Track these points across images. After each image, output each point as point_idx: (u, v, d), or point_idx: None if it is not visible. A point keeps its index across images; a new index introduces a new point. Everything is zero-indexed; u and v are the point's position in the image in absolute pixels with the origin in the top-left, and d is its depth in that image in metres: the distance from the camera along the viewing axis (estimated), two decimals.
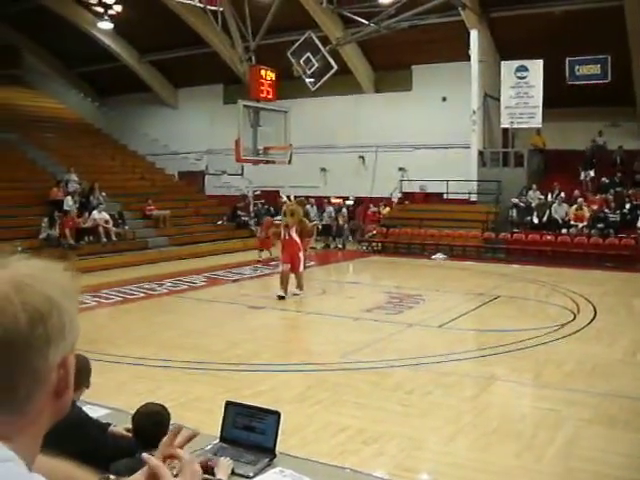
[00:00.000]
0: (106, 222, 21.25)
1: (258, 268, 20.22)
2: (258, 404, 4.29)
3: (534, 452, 6.23)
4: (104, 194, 23.12)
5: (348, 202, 29.23)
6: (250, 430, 3.98)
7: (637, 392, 8.09)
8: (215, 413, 4.18)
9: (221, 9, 23.21)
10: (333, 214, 27.10)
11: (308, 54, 22.78)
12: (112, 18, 28.17)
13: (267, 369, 9.05)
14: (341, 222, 26.94)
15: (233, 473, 3.65)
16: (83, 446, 3.46)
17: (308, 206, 26.31)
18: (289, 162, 22.99)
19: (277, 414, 3.98)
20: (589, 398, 7.86)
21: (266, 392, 7.97)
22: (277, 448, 3.91)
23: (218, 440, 4.05)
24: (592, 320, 12.42)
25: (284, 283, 14.76)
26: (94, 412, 4.20)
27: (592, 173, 25.34)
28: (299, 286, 15.15)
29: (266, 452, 3.87)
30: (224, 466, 3.58)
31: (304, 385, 8.30)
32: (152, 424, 3.47)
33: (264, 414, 4.01)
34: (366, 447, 6.32)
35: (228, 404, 4.15)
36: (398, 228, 25.39)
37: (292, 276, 15.03)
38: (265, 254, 20.75)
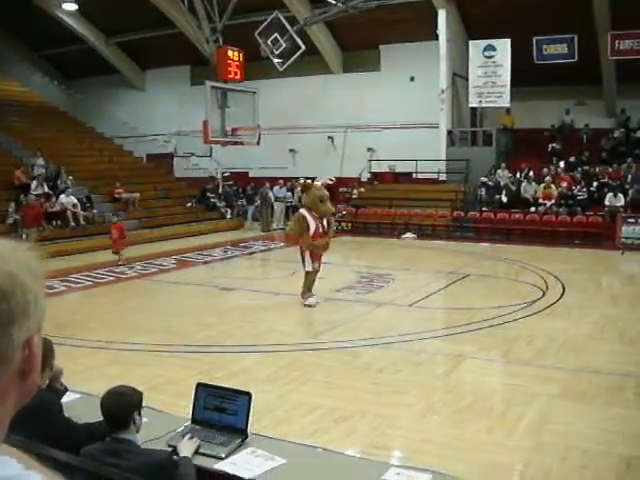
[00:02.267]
0: (74, 206, 21.01)
1: (228, 250, 20.14)
2: (230, 385, 4.30)
3: (505, 427, 6.30)
4: (71, 178, 22.89)
5: (317, 182, 29.14)
6: (221, 411, 3.99)
7: (605, 367, 8.22)
8: (187, 395, 4.18)
9: None
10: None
11: (276, 34, 22.64)
12: None
13: (239, 350, 9.05)
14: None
15: (198, 452, 3.66)
16: (50, 431, 3.45)
17: (276, 187, 26.30)
18: (257, 143, 22.94)
19: (248, 395, 3.99)
20: (559, 374, 7.96)
21: (238, 373, 7.99)
22: (249, 429, 3.92)
23: (190, 422, 4.05)
24: (561, 297, 12.58)
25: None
26: (66, 397, 4.17)
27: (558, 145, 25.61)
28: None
29: (238, 433, 3.89)
30: (187, 445, 3.60)
31: (276, 365, 8.31)
32: (117, 406, 3.45)
33: (235, 395, 4.02)
34: (338, 426, 6.35)
35: (199, 386, 4.15)
36: (367, 208, 25.42)
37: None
38: (122, 255, 17.24)
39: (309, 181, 13.10)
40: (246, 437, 3.88)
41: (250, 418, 3.95)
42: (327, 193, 12.49)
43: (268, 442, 3.95)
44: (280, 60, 23.11)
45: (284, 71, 23.76)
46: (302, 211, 12.31)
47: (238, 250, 20.12)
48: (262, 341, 9.47)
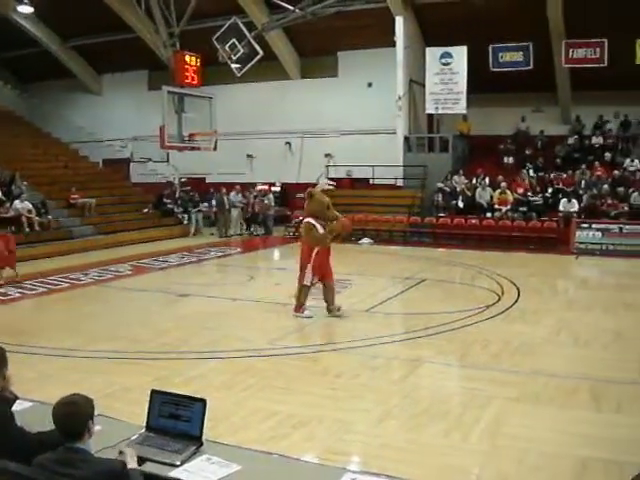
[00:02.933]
0: (29, 212, 20.73)
1: (185, 256, 20.01)
2: (187, 392, 4.26)
3: (461, 431, 6.33)
4: (26, 183, 22.59)
5: (274, 188, 29.20)
6: (176, 418, 3.96)
7: (561, 369, 8.31)
8: (143, 403, 4.13)
9: None
10: (261, 200, 26.91)
11: (233, 40, 22.61)
12: (32, 1, 27.37)
13: (195, 357, 8.99)
14: (269, 209, 26.80)
15: (152, 460, 3.62)
16: (1, 440, 3.39)
17: (232, 193, 26.20)
18: (214, 149, 22.88)
19: (203, 402, 3.96)
20: (515, 377, 8.03)
21: (195, 380, 7.93)
22: (205, 435, 3.89)
23: (144, 429, 4.00)
24: (516, 301, 12.70)
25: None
26: (18, 405, 4.09)
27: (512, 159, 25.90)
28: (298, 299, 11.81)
29: (193, 440, 3.86)
30: (130, 454, 3.55)
31: (233, 372, 8.27)
32: (70, 416, 3.38)
33: (190, 402, 3.99)
34: (295, 432, 6.32)
35: (153, 393, 4.11)
36: None
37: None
38: (7, 273, 15.32)
39: (312, 188, 12.53)
40: (201, 444, 3.84)
41: (206, 425, 3.91)
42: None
43: (223, 449, 3.92)
44: (238, 65, 23.09)
45: (242, 76, 23.75)
46: (310, 220, 11.65)
47: (195, 256, 20.00)
48: (219, 347, 9.41)
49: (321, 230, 11.53)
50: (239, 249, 21.82)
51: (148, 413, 4.04)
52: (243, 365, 8.57)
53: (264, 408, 6.93)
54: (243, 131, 29.92)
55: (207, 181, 30.58)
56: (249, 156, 31.16)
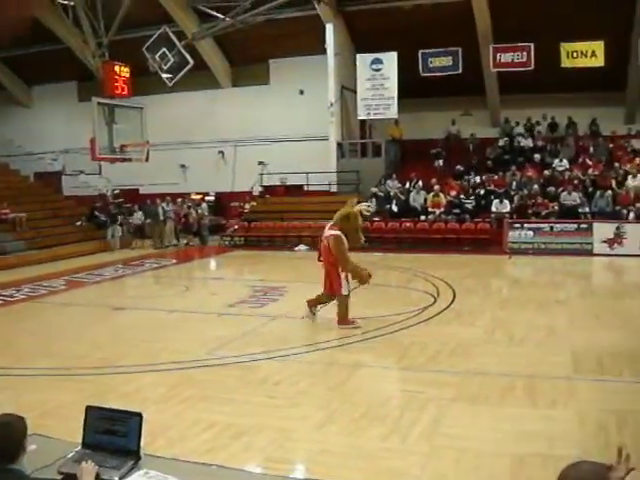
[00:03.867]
0: None
1: (120, 268, 19.77)
2: (124, 407, 4.19)
3: (400, 433, 6.37)
4: None
5: (208, 198, 29.07)
6: (112, 434, 3.89)
7: (496, 368, 8.44)
8: (78, 420, 4.05)
9: (72, 3, 22.55)
10: (193, 210, 26.73)
11: (164, 49, 22.47)
12: None
13: (132, 370, 8.86)
14: (203, 219, 26.66)
15: (98, 478, 3.56)
16: None
17: (163, 204, 25.98)
18: (146, 159, 22.67)
19: (139, 415, 3.91)
20: (452, 377, 8.11)
21: (131, 394, 7.82)
22: (143, 450, 3.84)
23: (80, 446, 3.94)
24: (452, 302, 12.90)
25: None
26: None
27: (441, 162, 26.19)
28: (314, 306, 11.85)
29: (130, 455, 3.80)
30: (88, 471, 3.48)
31: (170, 384, 8.18)
32: (4, 438, 3.30)
33: (126, 416, 3.93)
34: (235, 442, 6.29)
35: (88, 409, 4.04)
36: (260, 222, 25.42)
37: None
38: None
39: (351, 207, 11.76)
40: (139, 459, 3.79)
41: (143, 439, 3.87)
42: None
43: (162, 462, 3.88)
44: (169, 75, 22.95)
45: (173, 86, 23.61)
46: (340, 234, 11.17)
47: (130, 269, 19.78)
48: (156, 360, 9.30)
49: (347, 245, 11.16)
50: (174, 260, 21.65)
51: (84, 430, 3.97)
52: (180, 377, 8.49)
53: (202, 419, 6.88)
54: (176, 141, 29.76)
55: (140, 192, 30.29)
56: (182, 166, 31.00)
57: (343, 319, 11.22)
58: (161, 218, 25.58)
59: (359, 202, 13.11)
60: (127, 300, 14.55)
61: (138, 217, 26.65)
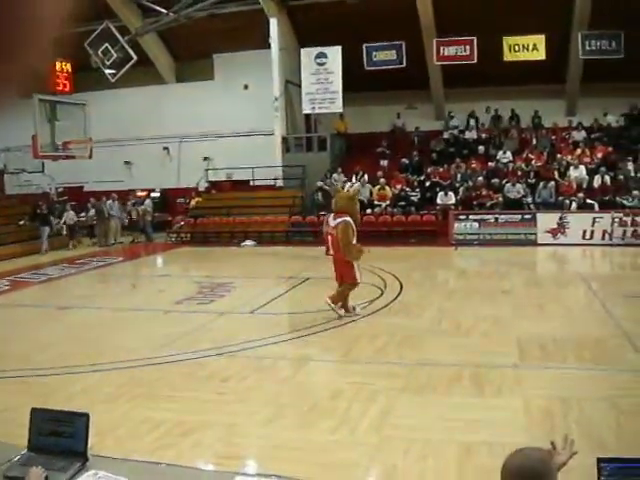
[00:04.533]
0: None
1: (65, 268, 19.49)
2: (70, 408, 4.14)
3: (349, 425, 6.40)
4: None
5: (154, 194, 28.82)
6: (59, 435, 3.84)
7: (443, 359, 8.54)
8: (24, 422, 3.98)
9: None
10: (139, 207, 26.44)
11: (106, 45, 22.24)
12: None
13: (78, 370, 8.74)
14: (147, 216, 26.39)
15: None
16: None
17: (109, 201, 25.68)
18: (90, 156, 22.42)
19: (86, 416, 3.86)
20: (400, 368, 8.18)
21: (78, 394, 7.72)
22: (91, 451, 3.80)
23: (26, 450, 3.87)
24: (399, 294, 12.99)
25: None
26: None
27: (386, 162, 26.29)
28: (338, 301, 11.40)
29: (77, 456, 3.75)
30: (36, 475, 3.43)
31: (117, 383, 8.10)
32: None
33: (72, 417, 3.88)
34: (184, 439, 6.25)
35: (34, 411, 3.98)
36: (206, 217, 25.28)
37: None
38: None
39: (356, 187, 12.26)
40: (86, 460, 3.75)
41: (91, 440, 3.82)
42: None
43: (110, 462, 3.84)
44: (112, 71, 22.72)
45: (117, 82, 23.37)
46: (348, 219, 11.15)
47: (75, 267, 19.50)
48: (103, 359, 9.18)
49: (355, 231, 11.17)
50: (121, 258, 21.43)
51: (29, 432, 3.91)
52: (128, 376, 8.41)
53: (151, 417, 6.82)
54: (120, 138, 29.43)
55: (85, 190, 29.89)
56: (127, 163, 30.65)
57: (337, 299, 11.21)
58: (106, 216, 25.25)
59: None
60: (72, 299, 14.34)
61: (70, 217, 25.90)
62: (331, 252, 11.35)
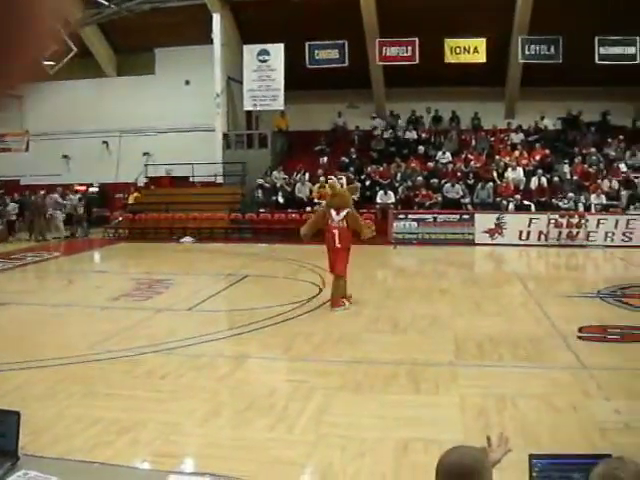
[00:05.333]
0: None
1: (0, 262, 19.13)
2: (2, 406, 4.06)
3: (286, 423, 6.39)
4: None
5: (92, 189, 28.46)
6: None
7: (381, 356, 8.61)
8: None
9: None
10: (76, 202, 26.04)
11: None
12: None
13: (11, 368, 8.56)
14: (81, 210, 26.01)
15: None
16: None
17: (55, 195, 25.27)
18: (26, 150, 22.05)
19: (17, 414, 3.79)
20: (337, 367, 8.19)
21: (11, 392, 7.55)
22: (23, 450, 3.73)
23: None
24: None
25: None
26: None
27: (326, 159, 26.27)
28: (341, 298, 11.85)
29: (8, 456, 3.68)
30: None
31: (52, 380, 7.95)
32: None
33: (2, 416, 3.80)
34: (120, 438, 6.16)
35: None
36: (145, 213, 25.03)
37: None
38: None
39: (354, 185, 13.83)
40: (17, 459, 3.68)
41: (24, 438, 3.75)
42: None
43: (42, 462, 3.78)
44: (51, 63, 22.29)
45: (56, 74, 22.91)
46: (352, 210, 12.14)
47: (10, 263, 19.10)
48: (38, 356, 9.00)
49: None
50: (57, 253, 21.09)
51: None
52: (63, 373, 8.27)
53: (87, 415, 6.71)
54: (58, 131, 28.94)
55: (22, 183, 29.32)
56: (65, 156, 30.16)
57: (337, 302, 11.62)
58: (44, 210, 24.83)
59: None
60: (6, 295, 14.01)
61: (11, 210, 25.45)
62: (338, 245, 11.65)
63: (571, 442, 5.68)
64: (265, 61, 25.94)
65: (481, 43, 24.31)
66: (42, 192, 25.26)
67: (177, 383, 7.82)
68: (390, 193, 22.98)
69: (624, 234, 20.33)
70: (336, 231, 11.64)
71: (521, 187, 22.82)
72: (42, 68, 0.97)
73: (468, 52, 24.53)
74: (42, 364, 8.66)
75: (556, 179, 22.74)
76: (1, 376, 8.25)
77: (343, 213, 11.71)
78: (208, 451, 5.90)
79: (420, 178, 23.41)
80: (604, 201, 21.76)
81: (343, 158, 26.06)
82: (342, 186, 14.06)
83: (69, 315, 11.95)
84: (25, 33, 0.80)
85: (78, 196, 26.36)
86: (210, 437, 6.20)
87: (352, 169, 25.28)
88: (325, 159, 26.21)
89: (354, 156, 26.18)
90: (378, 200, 22.94)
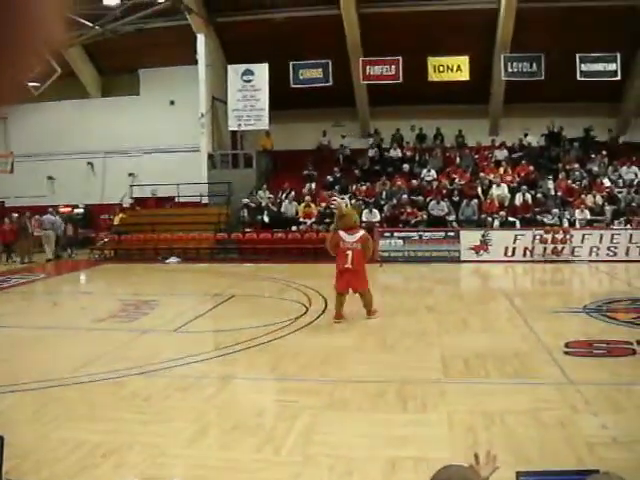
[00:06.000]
0: None
1: None
2: None
3: (274, 444, 6.34)
4: None
5: (77, 210, 28.37)
6: None
7: (366, 375, 8.56)
8: None
9: None
10: (61, 224, 25.94)
11: None
12: None
13: None
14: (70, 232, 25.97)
15: None
16: None
17: (48, 215, 25.17)
18: (11, 171, 21.94)
19: (0, 438, 3.74)
20: (324, 386, 8.15)
21: None
22: (7, 475, 3.68)
23: None
24: (323, 311, 13.01)
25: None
26: None
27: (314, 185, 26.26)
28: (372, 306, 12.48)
29: None
30: None
31: (36, 404, 7.87)
32: None
33: None
34: (106, 461, 6.10)
35: None
36: (130, 234, 24.97)
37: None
38: None
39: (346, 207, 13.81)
40: None
41: (8, 463, 3.70)
42: None
43: None
44: (35, 84, 22.27)
45: (40, 95, 22.91)
46: (366, 233, 12.62)
47: None
48: (20, 379, 8.91)
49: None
50: (43, 275, 20.99)
51: None
52: (47, 396, 8.18)
53: (71, 439, 6.64)
54: (43, 152, 28.89)
55: (6, 205, 29.20)
56: (50, 178, 30.08)
57: (373, 311, 12.33)
58: (29, 232, 24.73)
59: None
60: None
61: None
62: (349, 266, 11.96)
63: (559, 457, 5.66)
64: (249, 81, 26.00)
65: (464, 61, 24.48)
66: (27, 214, 25.16)
67: (163, 405, 7.75)
68: (375, 211, 23.01)
69: (609, 249, 20.44)
70: (350, 252, 11.84)
71: (506, 203, 22.92)
72: (27, 89, 0.95)
73: (451, 70, 24.68)
74: (25, 387, 8.57)
75: (540, 195, 22.85)
76: None
77: (358, 235, 12.04)
78: (195, 472, 5.85)
79: (405, 196, 23.48)
80: (588, 216, 21.89)
81: (328, 177, 26.09)
82: (347, 205, 14.41)
83: (53, 337, 11.84)
84: (10, 55, 0.79)
85: (55, 217, 26.19)
86: (197, 459, 6.14)
87: (337, 187, 25.32)
88: (313, 185, 26.14)
89: (338, 175, 26.23)
90: (363, 218, 22.92)
